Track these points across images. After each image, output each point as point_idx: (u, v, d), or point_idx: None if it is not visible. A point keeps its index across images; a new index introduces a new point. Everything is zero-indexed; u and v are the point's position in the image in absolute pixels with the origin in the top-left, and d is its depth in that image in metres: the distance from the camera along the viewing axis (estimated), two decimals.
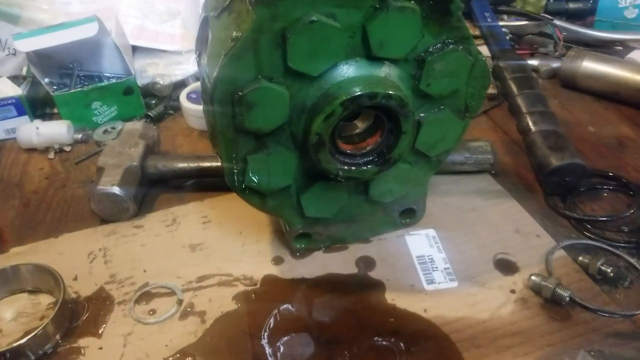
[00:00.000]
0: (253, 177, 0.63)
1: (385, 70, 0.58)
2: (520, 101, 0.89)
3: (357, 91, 0.56)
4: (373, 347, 0.61)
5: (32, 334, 0.63)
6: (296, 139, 0.61)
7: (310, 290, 0.69)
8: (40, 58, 1.06)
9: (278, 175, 0.64)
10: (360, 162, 0.63)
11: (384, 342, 0.61)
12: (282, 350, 0.61)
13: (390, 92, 0.56)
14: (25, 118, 1.04)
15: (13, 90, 1.03)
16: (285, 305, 0.67)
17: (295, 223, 0.71)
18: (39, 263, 0.69)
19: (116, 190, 0.79)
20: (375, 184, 0.68)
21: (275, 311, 0.66)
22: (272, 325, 0.65)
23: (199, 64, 0.71)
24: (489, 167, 0.84)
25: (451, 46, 0.58)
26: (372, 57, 0.57)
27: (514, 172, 0.86)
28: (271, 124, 0.59)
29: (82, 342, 0.65)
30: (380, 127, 0.62)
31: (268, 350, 0.61)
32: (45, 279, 0.69)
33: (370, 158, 0.63)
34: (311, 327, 0.64)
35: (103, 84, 1.04)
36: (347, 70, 0.57)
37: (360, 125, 0.66)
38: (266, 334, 0.63)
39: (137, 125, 0.93)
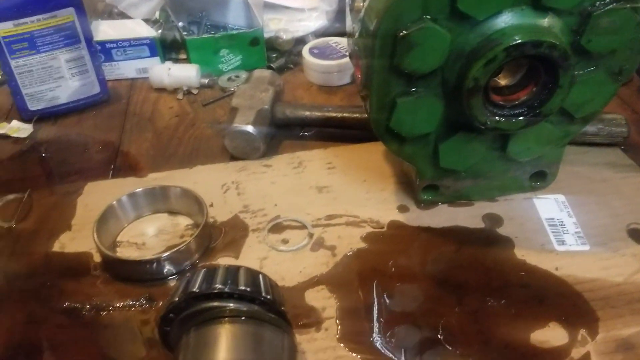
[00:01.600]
0: (398, 121, 0.64)
1: (549, 21, 0.58)
2: None
3: (521, 39, 0.56)
4: (503, 296, 0.62)
5: (176, 248, 0.67)
6: (447, 86, 0.62)
7: (437, 238, 0.70)
8: (174, 4, 1.11)
9: (422, 121, 0.65)
10: (509, 113, 0.63)
11: (515, 292, 0.62)
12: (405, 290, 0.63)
13: (556, 42, 0.56)
14: (157, 59, 1.09)
15: (148, 32, 1.09)
16: (412, 249, 0.69)
17: (426, 173, 0.72)
18: (184, 187, 0.74)
19: (250, 129, 0.83)
20: (515, 141, 0.68)
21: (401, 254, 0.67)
22: (398, 265, 0.66)
23: (350, 6, 0.73)
24: (620, 141, 0.82)
25: (619, 3, 0.58)
26: (539, 6, 0.57)
27: None
28: (428, 66, 0.60)
29: (220, 261, 0.69)
30: (533, 80, 0.62)
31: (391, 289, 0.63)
32: (188, 202, 0.74)
33: (520, 110, 0.63)
34: (439, 272, 0.65)
35: (232, 32, 1.08)
36: (511, 17, 0.58)
37: (503, 82, 0.67)
38: (396, 272, 0.65)
39: (265, 72, 0.97)
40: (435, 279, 0.65)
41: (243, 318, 0.49)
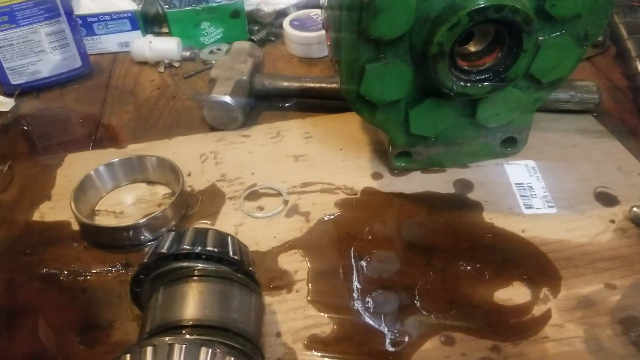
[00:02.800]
0: (368, 87, 0.65)
1: None
2: (630, 45, 0.88)
3: (484, 3, 0.57)
4: (470, 257, 0.64)
5: (152, 215, 0.69)
6: (415, 51, 0.63)
7: (410, 204, 0.72)
8: None
9: (391, 87, 0.66)
10: (475, 79, 0.64)
11: (482, 253, 0.64)
12: (375, 254, 0.65)
13: (517, 5, 0.57)
14: (138, 33, 1.10)
15: (129, 5, 1.09)
16: (384, 214, 0.70)
17: (398, 140, 0.73)
18: (160, 156, 0.75)
19: (228, 99, 0.84)
20: (484, 107, 0.69)
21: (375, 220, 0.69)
22: (371, 230, 0.68)
23: None
24: (592, 108, 0.83)
25: None
26: None
27: (617, 116, 0.85)
28: (394, 31, 0.61)
29: None
30: (498, 46, 0.63)
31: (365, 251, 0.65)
32: (164, 171, 0.75)
33: (486, 76, 0.64)
34: (409, 235, 0.67)
35: (213, 4, 1.08)
36: None
37: (473, 49, 0.68)
38: (368, 237, 0.67)
39: (245, 44, 0.97)
40: (406, 243, 0.67)
41: (211, 277, 0.50)
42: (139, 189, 0.77)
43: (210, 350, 0.43)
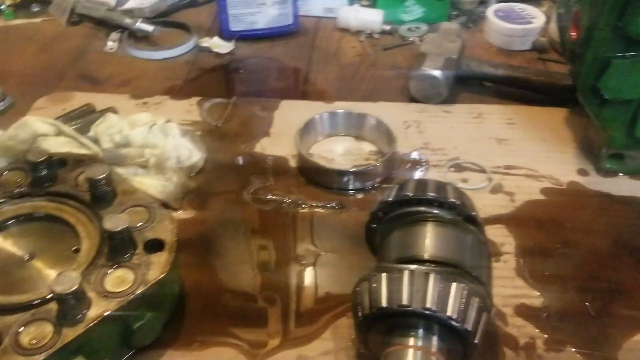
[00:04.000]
0: (607, 82, 0.66)
1: None
2: None
3: None
4: None
5: (366, 166, 0.74)
6: None
7: (617, 205, 0.72)
8: None
9: (631, 86, 0.66)
10: None
11: None
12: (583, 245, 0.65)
13: None
14: (344, 1, 1.15)
15: None
16: (591, 210, 0.71)
17: (617, 141, 0.73)
18: (379, 117, 0.80)
19: (437, 73, 0.87)
20: None
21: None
22: (577, 220, 0.69)
23: None
24: None
25: None
26: None
27: None
28: None
29: None
30: None
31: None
32: (378, 132, 0.80)
33: None
34: (619, 235, 0.67)
35: None
36: None
37: None
38: (575, 227, 0.68)
39: (452, 26, 1.00)
40: (615, 241, 0.67)
41: (447, 224, 0.54)
42: (348, 142, 0.82)
43: (462, 286, 0.46)
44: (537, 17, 1.07)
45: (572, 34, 0.70)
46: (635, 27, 0.61)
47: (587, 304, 0.59)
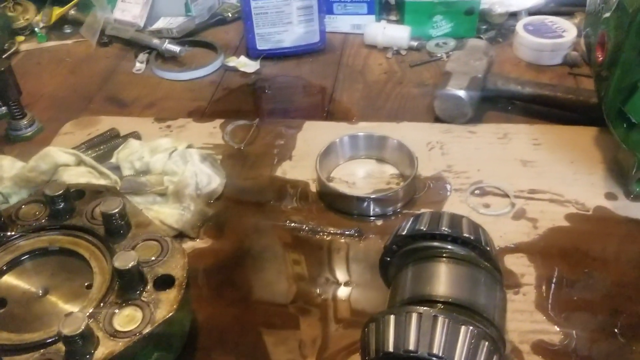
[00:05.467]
0: (635, 105, 0.63)
1: None
2: None
3: None
4: None
5: (387, 192, 0.73)
6: None
7: None
8: None
9: None
10: None
11: None
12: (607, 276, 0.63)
13: None
14: (372, 17, 1.15)
15: None
16: (618, 237, 0.68)
17: None
18: (400, 140, 0.79)
19: (462, 94, 0.86)
20: None
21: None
22: (602, 249, 0.66)
23: None
24: None
25: None
26: None
27: None
28: None
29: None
30: None
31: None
32: (400, 154, 0.79)
33: None
34: None
35: None
36: None
37: None
38: (600, 257, 0.65)
39: (480, 42, 0.98)
40: (638, 271, 0.64)
41: (460, 260, 0.52)
42: (370, 165, 0.82)
43: (470, 329, 0.45)
44: (569, 31, 1.04)
45: (598, 55, 0.68)
46: None
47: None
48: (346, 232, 0.71)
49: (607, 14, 0.65)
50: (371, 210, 0.73)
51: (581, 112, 0.87)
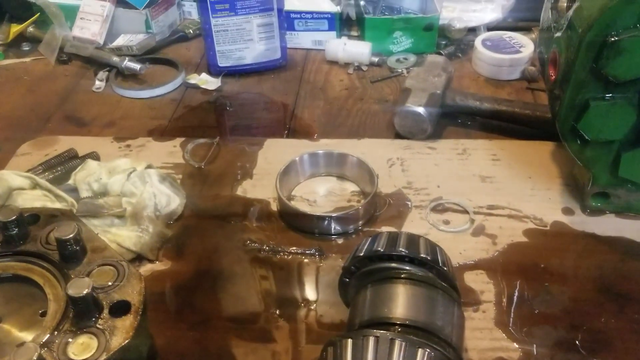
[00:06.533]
0: (587, 123, 0.65)
1: None
2: None
3: None
4: None
5: (347, 211, 0.73)
6: None
7: (602, 246, 0.70)
8: None
9: (611, 128, 0.65)
10: None
11: None
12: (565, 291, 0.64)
13: None
14: (333, 34, 1.15)
15: (330, 7, 1.15)
16: (574, 252, 0.69)
17: (601, 180, 0.72)
18: (360, 157, 0.79)
19: (421, 110, 0.87)
20: None
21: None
22: (559, 264, 0.68)
23: (553, 4, 0.74)
24: None
25: None
26: None
27: None
28: (631, 74, 0.60)
29: (382, 230, 0.73)
30: None
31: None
32: (360, 171, 0.79)
33: None
34: (600, 279, 0.66)
35: (409, 15, 1.11)
36: None
37: None
38: (558, 272, 0.67)
39: (438, 58, 0.99)
40: (598, 286, 0.65)
41: (418, 281, 0.53)
42: (331, 182, 0.82)
43: (427, 352, 0.45)
44: (526, 46, 1.06)
45: (550, 73, 0.70)
46: (612, 70, 0.60)
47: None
48: (307, 252, 0.70)
49: (559, 34, 0.66)
50: (332, 228, 0.73)
51: (538, 127, 0.88)
